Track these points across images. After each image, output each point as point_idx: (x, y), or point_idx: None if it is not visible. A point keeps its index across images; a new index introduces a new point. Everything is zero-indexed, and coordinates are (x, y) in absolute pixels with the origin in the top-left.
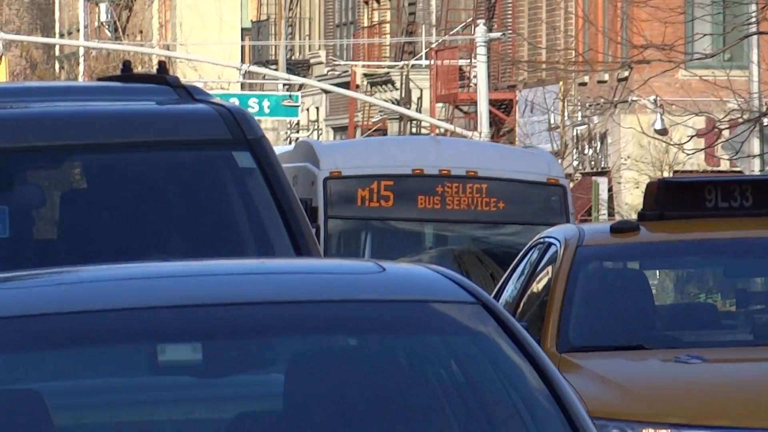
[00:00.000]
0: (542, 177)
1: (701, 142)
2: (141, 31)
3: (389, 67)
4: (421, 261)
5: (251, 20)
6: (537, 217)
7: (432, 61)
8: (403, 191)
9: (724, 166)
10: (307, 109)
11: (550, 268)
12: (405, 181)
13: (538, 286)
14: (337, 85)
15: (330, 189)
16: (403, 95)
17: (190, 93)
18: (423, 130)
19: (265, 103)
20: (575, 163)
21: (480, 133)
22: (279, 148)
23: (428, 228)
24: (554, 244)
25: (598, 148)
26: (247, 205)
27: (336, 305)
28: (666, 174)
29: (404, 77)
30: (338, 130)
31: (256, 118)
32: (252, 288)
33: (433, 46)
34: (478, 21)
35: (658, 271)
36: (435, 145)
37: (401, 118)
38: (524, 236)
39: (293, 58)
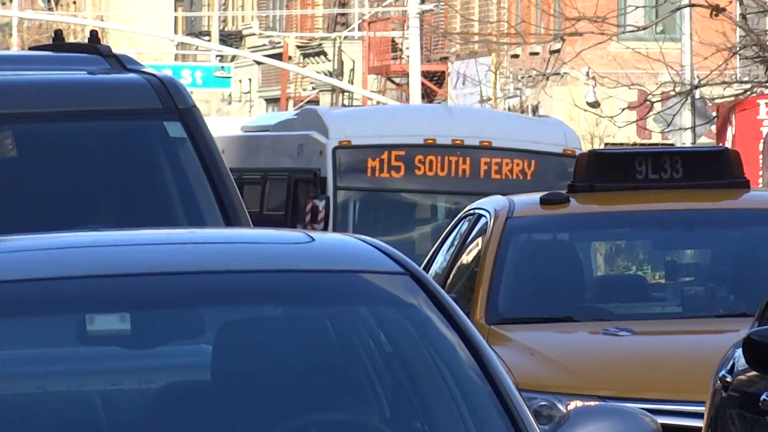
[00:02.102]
0: (558, 148)
1: (633, 115)
2: (74, 2)
3: (322, 38)
4: (423, 233)
5: None
6: (553, 189)
7: (364, 33)
8: (414, 162)
9: (656, 138)
10: (240, 81)
11: (480, 240)
12: (417, 152)
13: (467, 257)
14: (270, 56)
15: (339, 159)
16: (335, 67)
17: (121, 62)
18: (355, 102)
19: (198, 74)
20: None
21: None
22: (277, 115)
23: (440, 200)
24: (484, 216)
25: None
26: (177, 174)
27: (264, 275)
28: (597, 146)
29: (337, 49)
30: (271, 101)
31: (189, 89)
32: (181, 258)
33: (366, 17)
34: None
35: (588, 243)
36: (447, 114)
37: (334, 89)
38: None
39: (226, 29)
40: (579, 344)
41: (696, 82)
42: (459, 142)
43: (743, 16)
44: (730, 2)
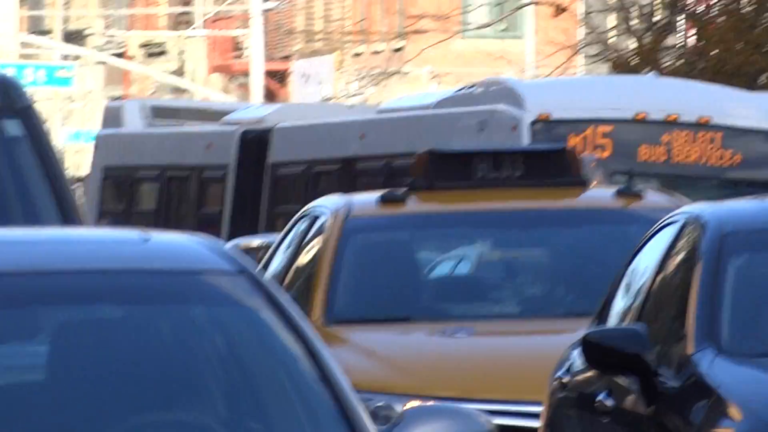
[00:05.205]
0: None
1: None
2: None
3: (165, 37)
4: None
5: None
6: None
7: (207, 31)
8: (622, 139)
9: None
10: (83, 80)
11: (318, 240)
12: (625, 128)
13: (305, 257)
14: (114, 55)
15: (537, 135)
16: (178, 66)
17: None
18: None
19: (40, 73)
20: None
21: None
22: (425, 95)
23: (652, 184)
24: (323, 215)
25: None
26: (14, 173)
27: (100, 275)
28: None
29: (179, 48)
30: (115, 101)
31: (31, 88)
32: (15, 257)
33: (209, 16)
34: None
35: (426, 243)
36: (659, 86)
37: (176, 89)
38: None
39: (69, 28)
40: (416, 345)
41: (539, 79)
42: (674, 117)
43: (587, 14)
44: (573, 1)
